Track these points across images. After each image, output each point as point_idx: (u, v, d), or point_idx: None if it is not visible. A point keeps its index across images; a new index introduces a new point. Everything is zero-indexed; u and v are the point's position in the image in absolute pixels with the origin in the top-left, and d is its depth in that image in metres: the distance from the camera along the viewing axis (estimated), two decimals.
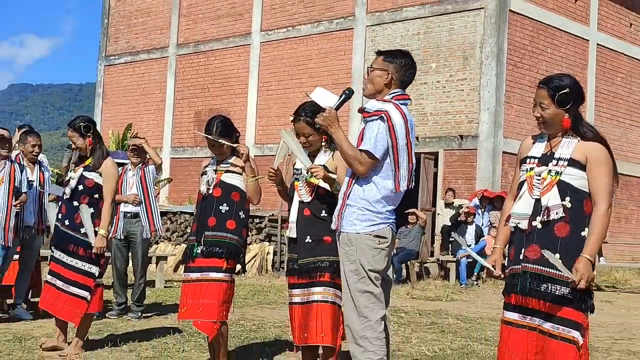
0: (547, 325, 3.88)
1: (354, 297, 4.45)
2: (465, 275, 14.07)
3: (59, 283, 6.32)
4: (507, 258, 4.10)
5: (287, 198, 5.37)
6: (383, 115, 4.43)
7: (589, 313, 3.89)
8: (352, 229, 4.47)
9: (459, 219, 15.19)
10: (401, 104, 4.57)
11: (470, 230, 14.71)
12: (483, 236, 14.74)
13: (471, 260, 14.44)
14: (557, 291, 3.84)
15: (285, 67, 19.80)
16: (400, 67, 4.65)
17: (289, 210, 5.27)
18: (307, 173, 5.04)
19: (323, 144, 5.20)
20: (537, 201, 3.96)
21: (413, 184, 4.59)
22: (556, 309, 3.86)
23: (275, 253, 16.23)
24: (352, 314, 4.46)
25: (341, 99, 4.70)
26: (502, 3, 16.67)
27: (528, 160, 4.08)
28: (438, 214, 16.85)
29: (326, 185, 5.03)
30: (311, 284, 5.10)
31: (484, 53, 16.68)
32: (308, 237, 5.09)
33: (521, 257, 3.97)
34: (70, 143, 6.85)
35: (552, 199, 3.90)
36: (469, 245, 14.51)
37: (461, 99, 16.99)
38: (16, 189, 7.73)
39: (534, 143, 4.14)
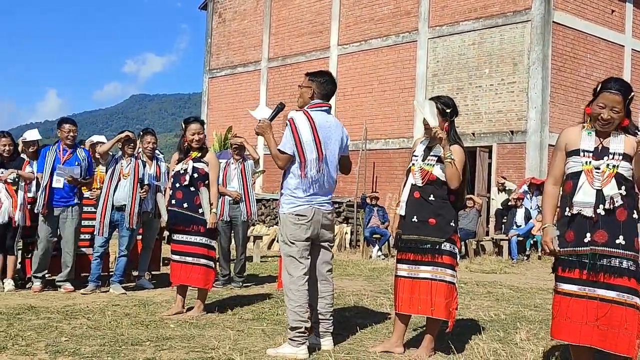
0: (613, 294, 3.85)
1: (284, 260, 4.93)
2: (516, 251, 13.84)
3: (189, 259, 6.40)
4: (560, 239, 3.98)
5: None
6: (288, 122, 4.84)
7: None
8: (281, 211, 4.93)
9: (509, 203, 14.92)
10: (316, 110, 4.92)
11: (520, 212, 14.44)
12: (531, 218, 14.44)
13: (521, 239, 14.20)
14: (622, 264, 3.84)
15: (359, 75, 19.74)
16: (321, 83, 4.99)
17: (402, 189, 5.03)
18: (434, 133, 4.73)
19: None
20: (599, 191, 3.88)
21: (318, 171, 4.80)
22: (621, 280, 3.84)
23: (351, 233, 16.27)
24: (284, 272, 4.94)
25: (274, 112, 5.07)
26: (546, 15, 16.25)
27: (582, 154, 3.95)
28: (492, 199, 16.55)
29: (438, 173, 4.80)
30: (417, 262, 4.84)
31: (531, 59, 16.29)
32: (415, 217, 4.84)
33: (586, 240, 3.89)
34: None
35: (612, 188, 3.86)
36: (519, 226, 14.29)
37: (511, 99, 16.64)
38: (140, 180, 7.96)
39: (579, 136, 3.99)
